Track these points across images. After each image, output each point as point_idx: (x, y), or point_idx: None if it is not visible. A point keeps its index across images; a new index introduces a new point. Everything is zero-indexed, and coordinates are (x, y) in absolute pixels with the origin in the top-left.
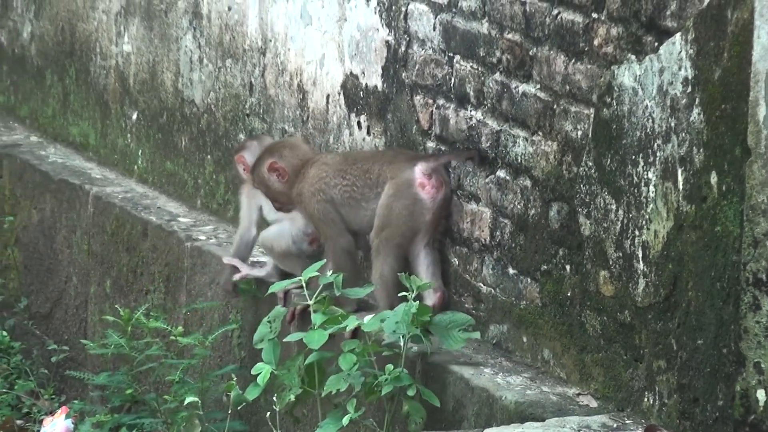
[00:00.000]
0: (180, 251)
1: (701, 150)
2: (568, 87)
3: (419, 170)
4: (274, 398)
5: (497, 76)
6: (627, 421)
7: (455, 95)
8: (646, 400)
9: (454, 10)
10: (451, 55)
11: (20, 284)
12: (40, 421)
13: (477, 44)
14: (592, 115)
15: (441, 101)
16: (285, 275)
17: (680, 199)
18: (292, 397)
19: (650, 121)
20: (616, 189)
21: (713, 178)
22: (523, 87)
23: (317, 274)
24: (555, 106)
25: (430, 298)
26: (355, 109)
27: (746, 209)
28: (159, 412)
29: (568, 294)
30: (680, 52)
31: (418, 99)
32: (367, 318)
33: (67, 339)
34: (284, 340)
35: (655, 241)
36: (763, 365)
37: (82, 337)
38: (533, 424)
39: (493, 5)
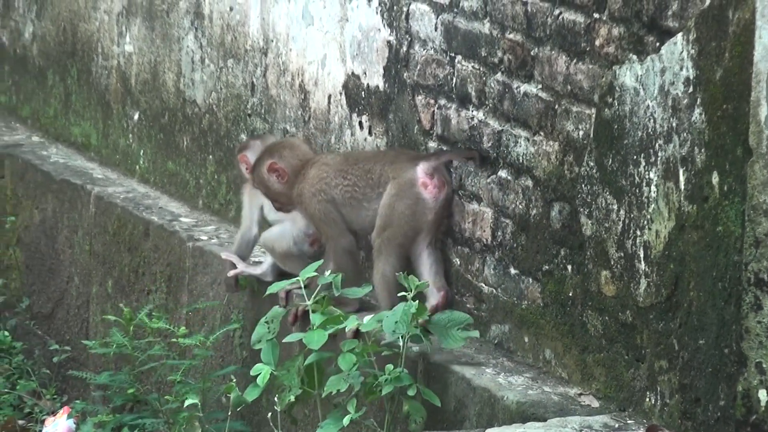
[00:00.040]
0: (182, 251)
1: (703, 150)
2: (569, 87)
3: (421, 170)
4: (275, 399)
5: (499, 76)
6: (629, 421)
7: (457, 95)
8: (647, 400)
9: (455, 10)
10: (453, 55)
11: (22, 284)
12: (42, 421)
13: (478, 44)
14: (594, 115)
15: (442, 101)
16: (282, 274)
17: (682, 199)
18: (292, 398)
19: (652, 121)
20: (618, 189)
21: (715, 178)
22: (524, 87)
23: (316, 274)
24: (556, 106)
25: (434, 298)
26: (356, 110)
27: (748, 209)
28: (161, 413)
29: (570, 294)
30: (682, 52)
31: (420, 99)
32: (367, 318)
33: (68, 339)
34: (284, 340)
35: (657, 241)
36: (764, 365)
37: (84, 337)
38: (535, 424)
39: (494, 5)
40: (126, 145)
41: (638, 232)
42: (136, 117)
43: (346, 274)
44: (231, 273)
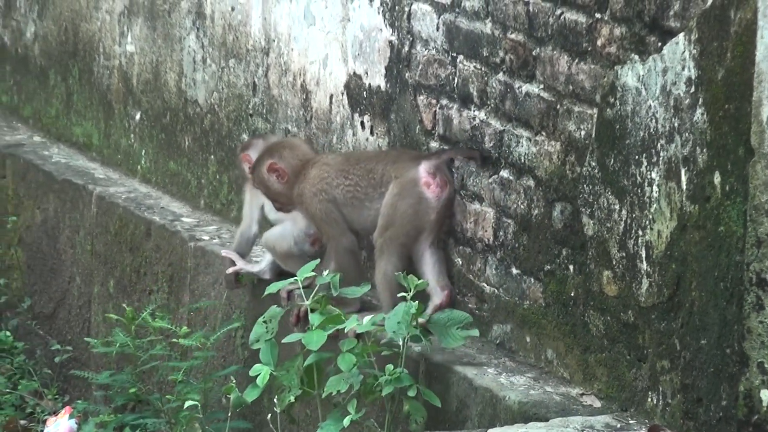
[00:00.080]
0: (183, 251)
1: (704, 150)
2: (571, 87)
3: (424, 169)
4: (275, 399)
5: (500, 76)
6: (630, 421)
7: (458, 95)
8: (649, 400)
9: (457, 10)
10: (455, 55)
11: (23, 284)
12: (44, 421)
13: (480, 44)
14: (596, 115)
15: (444, 101)
16: (281, 273)
17: (683, 199)
18: (292, 398)
19: (653, 121)
20: (620, 189)
21: (716, 178)
22: (526, 87)
23: (313, 274)
24: (558, 106)
25: (438, 297)
26: (358, 109)
27: (749, 209)
28: (162, 412)
29: (572, 294)
30: (683, 52)
31: (422, 99)
32: (367, 318)
33: (70, 339)
34: (283, 341)
35: (659, 241)
36: (766, 365)
37: (86, 337)
38: (537, 424)
39: (496, 5)
40: (128, 145)
41: (640, 232)
42: (137, 117)
43: (348, 274)
44: (230, 270)
